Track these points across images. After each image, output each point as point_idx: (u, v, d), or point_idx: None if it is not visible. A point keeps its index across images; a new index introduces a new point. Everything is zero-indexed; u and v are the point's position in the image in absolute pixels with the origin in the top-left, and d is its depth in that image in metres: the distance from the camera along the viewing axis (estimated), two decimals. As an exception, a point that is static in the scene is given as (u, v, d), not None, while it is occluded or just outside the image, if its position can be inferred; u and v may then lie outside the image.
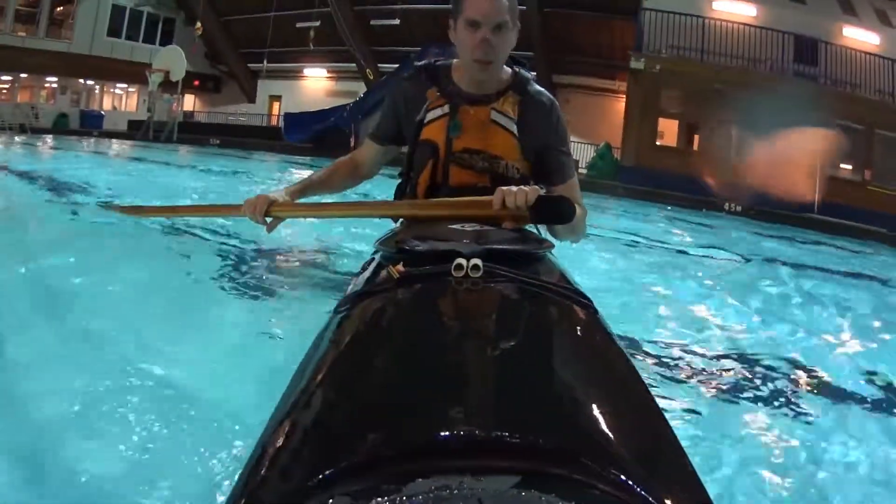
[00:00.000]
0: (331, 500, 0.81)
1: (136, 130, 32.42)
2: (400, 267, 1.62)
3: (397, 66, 31.25)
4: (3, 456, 2.71)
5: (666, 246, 10.92)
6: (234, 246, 7.48)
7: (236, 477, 1.00)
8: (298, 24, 35.98)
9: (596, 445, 0.93)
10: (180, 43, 35.79)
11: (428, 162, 2.38)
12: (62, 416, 3.14)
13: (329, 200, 2.59)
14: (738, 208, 21.16)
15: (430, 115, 2.40)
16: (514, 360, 1.22)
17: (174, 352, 3.92)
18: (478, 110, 2.37)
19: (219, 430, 3.08)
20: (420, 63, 2.54)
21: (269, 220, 2.32)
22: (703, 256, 10.54)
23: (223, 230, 7.66)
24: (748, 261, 10.45)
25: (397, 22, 33.95)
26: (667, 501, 0.85)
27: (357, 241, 7.41)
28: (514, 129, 2.38)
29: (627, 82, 26.19)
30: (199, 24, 35.80)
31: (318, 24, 35.48)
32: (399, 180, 2.65)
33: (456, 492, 0.78)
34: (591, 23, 29.75)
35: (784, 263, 10.11)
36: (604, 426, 0.99)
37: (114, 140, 30.42)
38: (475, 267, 1.52)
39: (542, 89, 2.49)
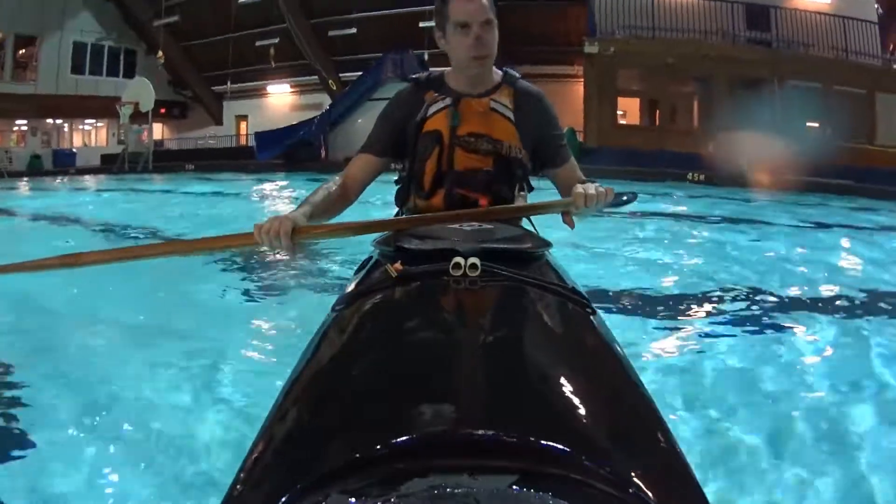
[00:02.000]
0: (328, 498, 0.81)
1: (111, 164, 32.36)
2: (398, 265, 1.62)
3: (360, 73, 31.82)
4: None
5: (622, 214, 11.63)
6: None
7: (234, 473, 1.01)
8: (258, 43, 36.37)
9: (593, 445, 0.93)
10: (143, 73, 35.93)
11: (433, 149, 2.39)
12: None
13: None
14: (702, 177, 21.73)
15: (432, 110, 2.43)
16: (511, 360, 1.23)
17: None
18: (477, 101, 2.42)
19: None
20: (415, 76, 2.60)
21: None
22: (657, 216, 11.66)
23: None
24: (697, 219, 11.56)
25: (354, 31, 34.45)
26: (663, 500, 0.85)
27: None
28: (512, 117, 2.44)
29: (584, 66, 26.69)
30: (160, 53, 36.03)
31: (276, 41, 35.90)
32: (397, 186, 2.67)
33: (453, 490, 0.79)
34: (545, 12, 30.13)
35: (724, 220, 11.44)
36: (600, 425, 1.02)
37: (92, 176, 30.44)
38: (473, 266, 1.54)
39: (530, 84, 2.58)
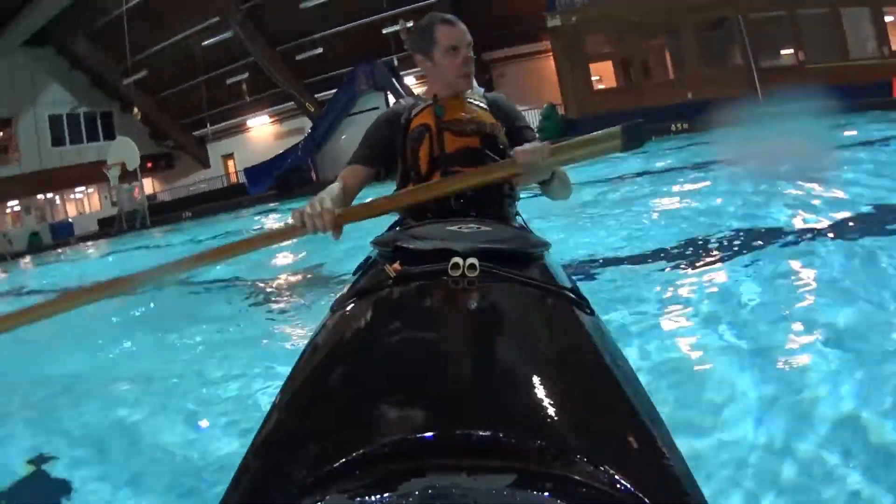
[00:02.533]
0: (326, 498, 0.82)
1: (109, 227, 32.58)
2: (396, 266, 1.63)
3: (335, 90, 31.93)
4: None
5: (602, 176, 12.01)
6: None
7: (232, 474, 1.01)
8: (229, 81, 36.74)
9: (591, 445, 0.93)
10: (122, 131, 36.21)
11: (424, 137, 2.52)
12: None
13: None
14: (685, 126, 21.79)
15: (415, 111, 2.59)
16: (509, 360, 1.23)
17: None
18: (455, 99, 2.59)
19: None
20: (395, 104, 2.77)
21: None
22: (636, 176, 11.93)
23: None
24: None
25: (321, 50, 34.69)
26: (661, 500, 0.86)
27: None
28: (488, 108, 2.62)
29: (550, 41, 26.75)
30: (136, 110, 36.30)
31: (246, 75, 36.18)
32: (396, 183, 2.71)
33: (451, 490, 0.79)
34: (505, -7, 30.21)
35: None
36: (598, 426, 1.02)
37: (93, 242, 30.56)
38: (471, 266, 1.53)
39: (493, 93, 2.79)
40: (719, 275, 4.92)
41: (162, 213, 33.38)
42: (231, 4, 34.00)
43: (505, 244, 1.79)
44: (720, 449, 2.63)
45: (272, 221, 21.61)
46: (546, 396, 1.06)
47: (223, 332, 4.95)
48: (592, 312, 1.62)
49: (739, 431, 2.73)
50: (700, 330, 3.92)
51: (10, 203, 37.73)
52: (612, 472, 0.85)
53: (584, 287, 1.99)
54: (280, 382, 1.32)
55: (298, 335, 4.21)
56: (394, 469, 0.84)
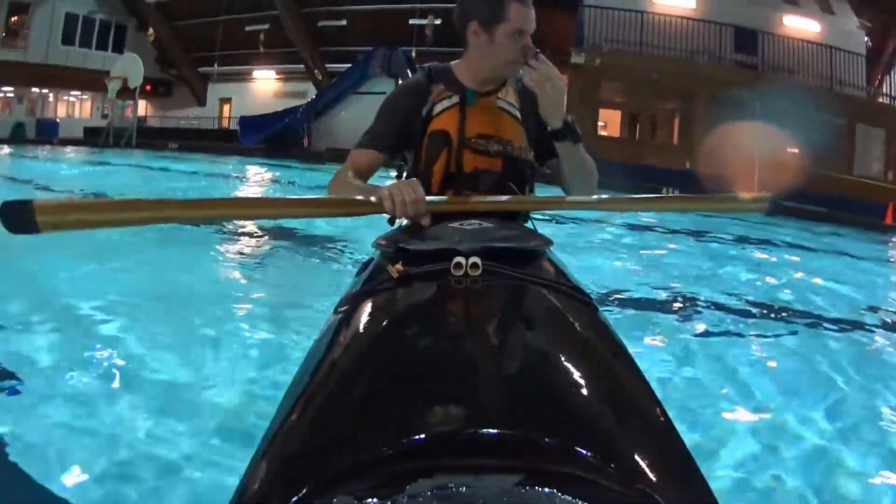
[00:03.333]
0: (335, 500, 0.81)
1: (94, 137, 32.52)
2: (399, 266, 1.62)
3: (346, 66, 32.06)
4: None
5: (585, 220, 12.35)
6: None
7: (240, 477, 1.01)
8: (248, 28, 36.80)
9: (598, 442, 0.92)
10: (132, 48, 36.15)
11: (442, 151, 2.32)
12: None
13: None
14: (676, 192, 22.14)
15: (439, 107, 2.36)
16: (514, 359, 1.22)
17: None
18: (485, 100, 2.38)
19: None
20: (424, 66, 2.54)
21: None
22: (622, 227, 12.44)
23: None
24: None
25: (344, 23, 34.91)
26: (671, 498, 0.85)
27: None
28: (518, 115, 2.41)
29: (569, 76, 27.04)
30: (151, 31, 36.31)
31: (266, 27, 36.26)
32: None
33: (459, 490, 0.79)
34: (538, 17, 30.33)
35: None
36: (606, 424, 1.01)
37: (76, 147, 30.46)
38: (474, 265, 1.53)
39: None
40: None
41: (149, 138, 33.42)
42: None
43: (507, 242, 1.79)
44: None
45: (254, 173, 21.91)
46: (554, 394, 1.06)
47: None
48: (596, 309, 1.64)
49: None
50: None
51: (4, 88, 37.37)
52: (620, 469, 0.86)
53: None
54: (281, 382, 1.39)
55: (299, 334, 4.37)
56: (402, 470, 0.84)
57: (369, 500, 0.79)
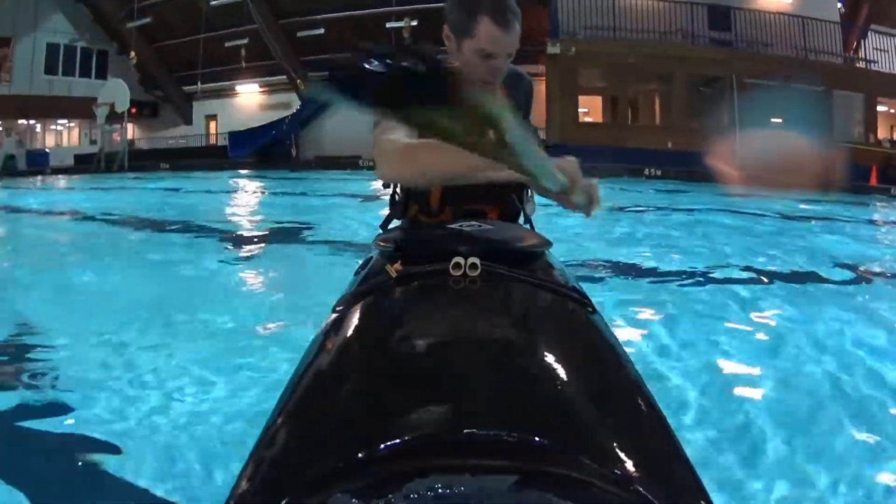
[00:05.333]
0: (330, 498, 0.81)
1: (85, 164, 32.63)
2: (398, 266, 1.62)
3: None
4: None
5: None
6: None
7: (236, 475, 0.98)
8: (228, 44, 36.93)
9: (594, 444, 0.92)
10: (115, 73, 36.33)
11: None
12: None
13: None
14: (658, 172, 22.80)
15: None
16: (511, 359, 1.21)
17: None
18: None
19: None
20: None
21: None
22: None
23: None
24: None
25: (322, 31, 34.98)
26: (665, 499, 0.84)
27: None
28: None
29: (546, 66, 27.24)
30: (133, 54, 36.46)
31: (246, 41, 36.48)
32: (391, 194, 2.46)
33: (454, 491, 0.79)
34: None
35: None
36: (602, 425, 1.02)
37: (68, 175, 30.61)
38: (473, 266, 1.52)
39: (517, 68, 2.36)
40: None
41: (140, 160, 33.64)
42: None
43: (506, 243, 1.79)
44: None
45: (246, 184, 22.50)
46: (549, 395, 1.06)
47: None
48: (595, 311, 1.61)
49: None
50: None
51: (-8, 123, 37.32)
52: (618, 471, 0.85)
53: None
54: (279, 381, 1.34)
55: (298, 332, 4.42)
56: (398, 469, 0.83)
57: (364, 499, 0.80)
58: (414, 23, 31.93)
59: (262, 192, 20.70)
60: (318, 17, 35.16)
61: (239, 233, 9.62)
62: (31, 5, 35.79)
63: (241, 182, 23.73)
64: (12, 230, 11.97)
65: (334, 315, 1.54)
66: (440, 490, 0.78)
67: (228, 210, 14.91)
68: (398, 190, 2.36)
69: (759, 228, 11.07)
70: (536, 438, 0.88)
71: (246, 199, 18.46)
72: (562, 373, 1.17)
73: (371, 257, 2.01)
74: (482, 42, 2.04)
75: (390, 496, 0.77)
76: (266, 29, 35.91)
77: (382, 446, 0.87)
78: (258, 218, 12.25)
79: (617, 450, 0.91)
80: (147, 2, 36.22)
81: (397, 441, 0.87)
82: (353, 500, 0.80)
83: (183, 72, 40.42)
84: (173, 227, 10.49)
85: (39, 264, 7.15)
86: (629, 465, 0.88)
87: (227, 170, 29.41)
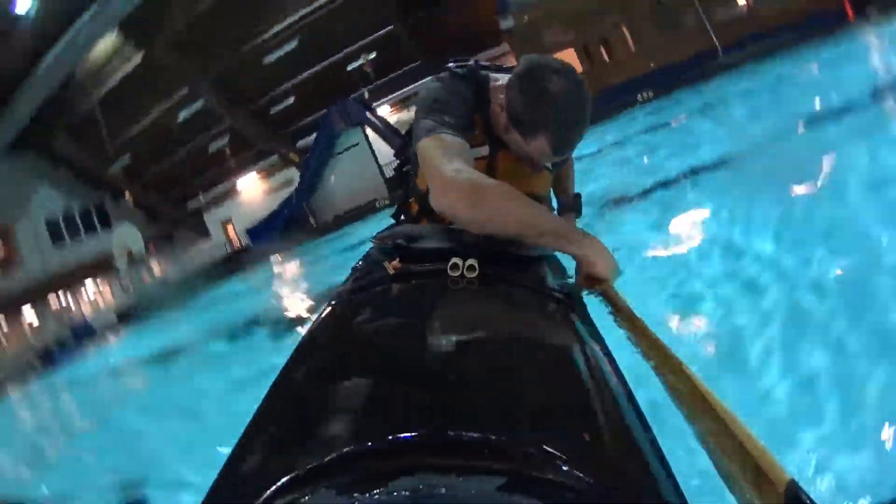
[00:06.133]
0: (315, 493, 0.81)
1: (126, 319, 32.77)
2: (396, 263, 1.61)
3: (314, 135, 32.40)
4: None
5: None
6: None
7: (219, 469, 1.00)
8: (211, 149, 37.36)
9: (576, 447, 0.93)
10: (118, 218, 36.74)
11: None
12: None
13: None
14: (650, 94, 22.65)
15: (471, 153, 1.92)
16: (502, 363, 1.21)
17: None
18: (519, 162, 2.06)
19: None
20: (469, 66, 2.20)
21: None
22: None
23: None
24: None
25: (292, 100, 35.26)
26: (646, 500, 0.87)
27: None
28: (550, 165, 2.18)
29: (507, 42, 27.19)
30: (127, 194, 36.71)
31: (227, 139, 36.81)
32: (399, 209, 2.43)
33: (440, 490, 0.79)
34: (454, 8, 30.65)
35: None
36: (585, 428, 1.02)
37: (115, 333, 30.67)
38: (471, 267, 1.52)
39: None
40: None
41: (174, 290, 33.66)
42: (197, 74, 34.47)
43: (505, 246, 1.74)
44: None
45: (283, 268, 22.27)
46: (537, 400, 1.07)
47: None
48: (588, 318, 1.61)
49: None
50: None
51: (25, 312, 37.41)
52: (599, 477, 0.86)
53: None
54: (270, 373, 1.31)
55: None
56: (383, 466, 0.84)
57: (350, 494, 0.79)
58: (372, 55, 31.84)
59: (305, 267, 20.62)
60: (282, 87, 35.36)
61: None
62: (13, 191, 36.24)
63: (277, 269, 23.61)
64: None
65: (329, 309, 1.58)
66: (425, 489, 0.78)
67: (287, 301, 14.37)
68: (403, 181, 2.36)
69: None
70: (524, 441, 0.89)
71: (296, 277, 18.33)
72: (550, 379, 1.18)
73: (370, 253, 2.07)
74: (533, 153, 1.93)
75: (375, 493, 0.78)
76: (239, 121, 36.19)
77: (369, 443, 0.87)
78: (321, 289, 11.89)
79: (600, 456, 0.93)
80: (120, 142, 36.36)
81: (384, 439, 0.88)
82: (337, 496, 0.81)
83: (181, 191, 40.75)
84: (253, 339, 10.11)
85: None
86: (612, 471, 0.90)
87: (256, 263, 29.06)
